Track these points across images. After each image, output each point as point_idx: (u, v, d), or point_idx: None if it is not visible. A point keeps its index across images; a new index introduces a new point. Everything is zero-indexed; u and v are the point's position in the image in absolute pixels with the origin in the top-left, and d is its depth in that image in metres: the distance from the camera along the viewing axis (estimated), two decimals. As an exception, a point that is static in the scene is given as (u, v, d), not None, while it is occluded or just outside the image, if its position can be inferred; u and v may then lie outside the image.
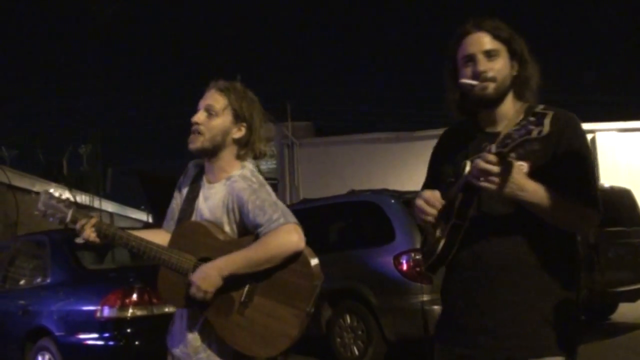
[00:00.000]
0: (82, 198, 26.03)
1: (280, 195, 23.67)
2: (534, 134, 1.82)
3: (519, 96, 2.33)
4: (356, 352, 7.70)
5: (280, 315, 2.56)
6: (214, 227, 2.70)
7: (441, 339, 2.39)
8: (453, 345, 2.32)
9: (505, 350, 2.18)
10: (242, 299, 2.60)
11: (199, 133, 2.69)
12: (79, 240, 2.81)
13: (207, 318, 2.64)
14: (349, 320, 7.79)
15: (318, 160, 21.36)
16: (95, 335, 5.65)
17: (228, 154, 2.75)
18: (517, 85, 2.32)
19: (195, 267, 2.61)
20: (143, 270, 6.51)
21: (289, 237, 2.55)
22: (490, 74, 2.26)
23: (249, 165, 2.80)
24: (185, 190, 2.87)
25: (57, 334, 5.97)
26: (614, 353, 7.52)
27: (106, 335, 5.57)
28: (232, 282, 2.58)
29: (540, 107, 1.95)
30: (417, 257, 7.22)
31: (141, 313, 5.57)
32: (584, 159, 2.21)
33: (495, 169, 1.97)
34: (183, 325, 2.76)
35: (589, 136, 20.85)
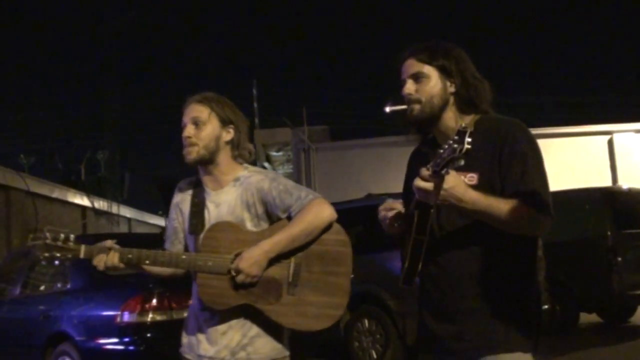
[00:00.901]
0: (100, 204, 26.20)
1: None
2: (457, 152, 1.93)
3: (462, 111, 2.40)
4: (374, 355, 7.71)
5: (328, 286, 2.70)
6: (238, 224, 2.75)
7: (422, 348, 2.52)
8: (430, 354, 2.46)
9: (468, 351, 2.30)
10: (290, 279, 2.68)
11: (192, 145, 2.75)
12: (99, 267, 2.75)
13: (259, 308, 2.66)
14: (367, 324, 7.80)
15: (334, 164, 21.36)
16: (115, 340, 5.70)
17: (224, 157, 2.81)
18: (458, 101, 2.39)
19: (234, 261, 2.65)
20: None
21: (322, 209, 2.70)
22: (413, 96, 2.38)
23: (252, 167, 2.88)
24: (186, 207, 2.87)
25: (78, 339, 6.01)
26: (634, 356, 7.45)
27: (126, 340, 5.61)
28: (276, 265, 2.67)
29: (464, 123, 2.15)
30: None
31: (161, 318, 5.60)
32: (529, 163, 2.25)
33: (428, 185, 2.06)
34: (211, 329, 2.75)
35: (606, 137, 20.70)
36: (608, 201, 9.25)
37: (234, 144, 2.82)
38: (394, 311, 7.48)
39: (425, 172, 2.06)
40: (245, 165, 2.86)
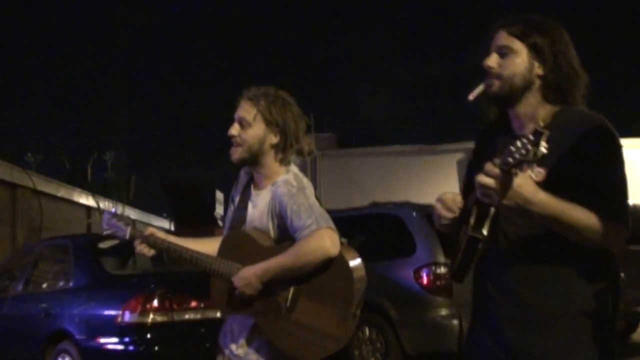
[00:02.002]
0: (106, 204, 26.25)
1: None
2: (530, 155, 1.74)
3: (546, 98, 2.17)
4: (374, 364, 7.69)
5: (326, 318, 2.64)
6: (260, 234, 2.80)
7: (467, 354, 2.33)
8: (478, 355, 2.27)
9: None
10: (288, 304, 2.68)
11: (237, 145, 2.77)
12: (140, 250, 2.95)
13: (257, 322, 2.76)
14: (367, 333, 7.78)
15: (340, 171, 21.32)
16: (115, 340, 5.71)
17: (269, 161, 2.81)
18: (543, 87, 2.16)
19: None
20: (164, 277, 6.57)
21: (321, 243, 2.60)
22: (494, 70, 2.18)
23: (294, 168, 2.86)
24: (237, 199, 2.96)
25: (78, 337, 6.02)
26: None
27: (127, 340, 5.62)
28: (276, 287, 2.69)
29: (543, 119, 1.92)
30: (438, 270, 7.22)
31: (162, 319, 5.61)
32: (607, 168, 2.02)
33: (492, 182, 1.85)
34: (235, 326, 2.89)
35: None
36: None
37: (279, 148, 2.79)
38: (395, 320, 7.47)
39: (491, 167, 1.84)
40: (289, 167, 2.84)
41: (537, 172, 2.00)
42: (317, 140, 23.55)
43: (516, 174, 1.82)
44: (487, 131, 2.37)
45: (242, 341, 2.83)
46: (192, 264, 2.86)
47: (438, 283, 7.19)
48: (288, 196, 2.72)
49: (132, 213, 29.39)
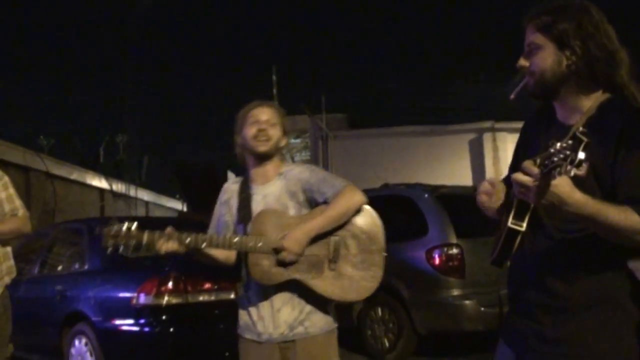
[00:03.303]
0: (118, 186, 26.37)
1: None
2: (568, 161, 1.69)
3: (584, 88, 2.12)
4: (387, 344, 7.75)
5: (364, 261, 3.09)
6: (283, 209, 3.17)
7: (503, 338, 2.37)
8: (509, 346, 2.32)
9: (549, 355, 2.13)
10: (330, 256, 3.07)
11: (268, 139, 3.21)
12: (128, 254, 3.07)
13: (304, 281, 3.05)
14: (380, 313, 7.83)
15: (352, 152, 21.31)
16: (131, 322, 5.77)
17: (277, 157, 3.30)
18: (578, 77, 2.10)
19: (276, 249, 3.01)
20: (178, 259, 6.61)
21: (354, 194, 3.13)
22: (525, 69, 2.17)
23: (291, 163, 3.43)
24: (234, 202, 3.29)
25: (94, 319, 6.09)
26: None
27: (142, 321, 5.68)
28: (318, 244, 3.08)
29: (581, 129, 1.75)
30: (450, 251, 7.25)
31: (176, 301, 5.67)
32: None
33: (529, 181, 1.84)
34: (267, 309, 3.12)
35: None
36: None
37: (283, 149, 3.33)
38: (407, 300, 7.51)
39: (530, 166, 1.82)
40: (287, 162, 3.36)
41: (580, 168, 1.88)
42: (329, 121, 23.56)
43: (554, 177, 1.78)
44: (534, 118, 2.36)
45: (283, 319, 3.09)
46: (225, 247, 3.07)
47: (450, 264, 7.22)
48: (308, 171, 3.24)
49: (145, 194, 29.52)
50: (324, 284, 3.05)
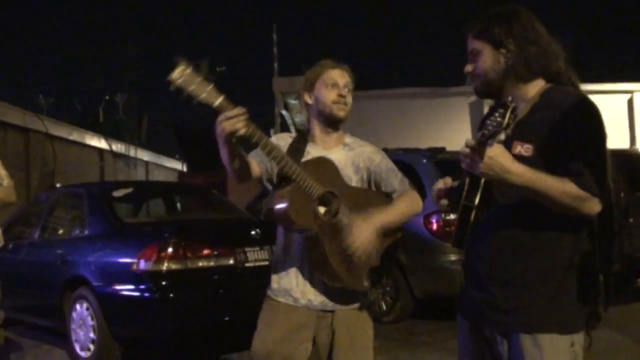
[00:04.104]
0: (118, 147, 26.36)
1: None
2: (499, 126, 2.03)
3: (525, 80, 2.35)
4: (384, 307, 7.86)
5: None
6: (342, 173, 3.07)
7: (459, 311, 2.55)
8: (466, 319, 2.49)
9: (503, 324, 2.31)
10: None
11: (347, 105, 3.08)
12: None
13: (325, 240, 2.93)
14: (378, 277, 7.90)
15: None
16: (131, 287, 5.83)
17: (342, 127, 3.16)
18: (516, 71, 2.34)
19: (323, 197, 2.91)
20: (178, 225, 6.69)
21: (419, 202, 3.20)
22: (471, 74, 2.44)
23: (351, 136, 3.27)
24: (284, 143, 3.08)
25: (95, 284, 6.16)
26: (633, 318, 7.54)
27: (142, 287, 5.74)
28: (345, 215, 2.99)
29: (509, 98, 2.12)
30: (447, 217, 7.31)
31: (176, 267, 5.71)
32: (585, 143, 2.18)
33: (468, 152, 2.10)
34: (307, 277, 3.04)
35: (626, 97, 20.36)
36: (622, 164, 9.22)
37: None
38: (405, 265, 7.59)
39: (469, 140, 2.09)
40: (347, 133, 3.23)
41: (527, 148, 2.23)
42: (328, 82, 23.40)
43: (490, 146, 2.05)
44: (489, 114, 2.53)
45: (324, 285, 3.01)
46: (278, 163, 2.81)
47: (447, 229, 7.28)
48: (380, 156, 3.20)
49: (145, 155, 29.52)
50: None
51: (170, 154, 34.45)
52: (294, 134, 3.22)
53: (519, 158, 2.17)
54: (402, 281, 7.69)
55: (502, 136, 2.04)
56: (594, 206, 2.16)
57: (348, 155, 3.12)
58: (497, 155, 2.09)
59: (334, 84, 3.07)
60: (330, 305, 3.04)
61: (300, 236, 3.01)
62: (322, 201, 2.91)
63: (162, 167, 32.88)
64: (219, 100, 2.55)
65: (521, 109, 2.33)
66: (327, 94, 3.06)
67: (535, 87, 2.36)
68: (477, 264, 2.40)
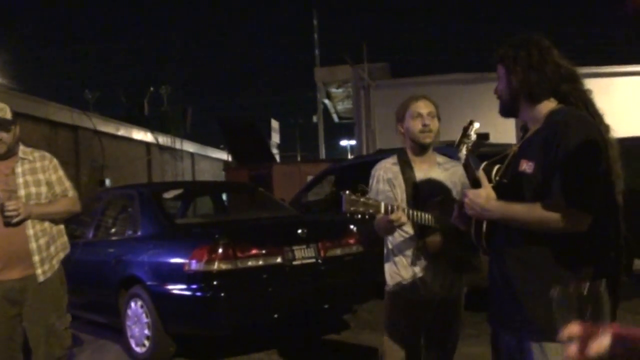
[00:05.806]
0: (164, 139, 26.73)
1: (357, 138, 23.65)
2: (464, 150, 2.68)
3: (535, 101, 2.57)
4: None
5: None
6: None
7: (489, 319, 2.77)
8: (490, 321, 2.75)
9: (515, 334, 2.52)
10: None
11: (431, 132, 3.59)
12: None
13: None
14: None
15: (394, 102, 20.79)
16: (184, 286, 6.00)
17: (430, 148, 3.70)
18: (524, 94, 2.57)
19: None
20: (227, 226, 6.84)
21: None
22: (497, 94, 2.67)
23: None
24: (400, 181, 3.62)
25: (149, 283, 6.36)
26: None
27: (194, 286, 5.91)
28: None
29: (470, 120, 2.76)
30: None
31: (226, 267, 5.87)
32: (573, 164, 2.33)
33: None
34: (428, 273, 3.55)
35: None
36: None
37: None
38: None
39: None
40: (435, 153, 3.75)
41: (529, 165, 2.45)
42: (371, 70, 23.39)
43: (475, 174, 2.58)
44: (520, 133, 2.81)
45: (440, 281, 3.59)
46: (428, 225, 3.43)
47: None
48: (464, 177, 3.47)
49: (190, 146, 29.86)
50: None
51: (215, 144, 34.75)
52: (394, 159, 3.70)
53: (523, 175, 2.44)
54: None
55: (462, 158, 2.61)
56: (583, 221, 2.33)
57: (444, 175, 3.65)
58: (475, 196, 2.50)
59: (419, 115, 3.59)
60: (447, 296, 3.59)
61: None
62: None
63: (208, 158, 33.18)
64: (382, 208, 3.24)
65: (532, 129, 2.59)
66: (414, 124, 3.59)
67: (547, 108, 2.55)
68: (491, 278, 2.65)
